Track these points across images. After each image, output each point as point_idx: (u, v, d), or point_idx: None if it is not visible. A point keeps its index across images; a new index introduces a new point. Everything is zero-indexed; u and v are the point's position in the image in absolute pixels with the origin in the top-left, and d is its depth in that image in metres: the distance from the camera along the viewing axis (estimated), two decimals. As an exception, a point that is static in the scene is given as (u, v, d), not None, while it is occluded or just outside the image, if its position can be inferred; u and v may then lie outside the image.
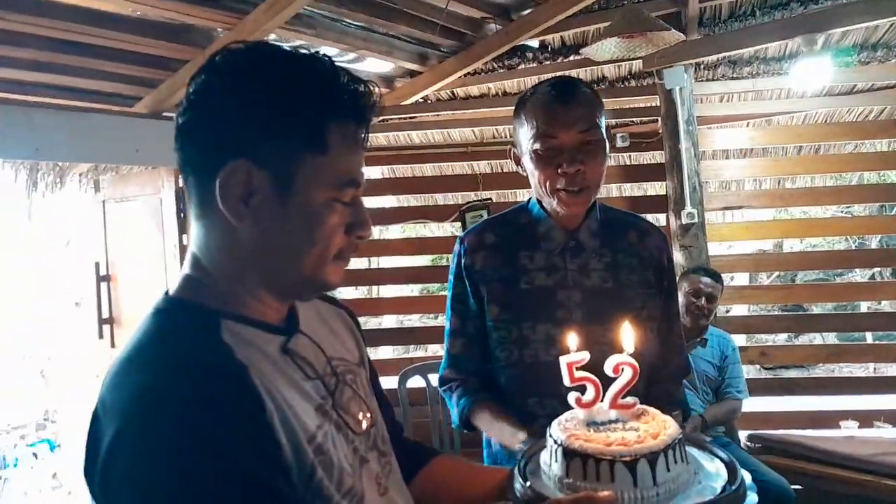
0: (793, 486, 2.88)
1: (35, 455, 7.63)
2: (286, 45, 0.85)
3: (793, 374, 7.08)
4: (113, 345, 4.16)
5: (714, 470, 0.97)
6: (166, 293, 0.86)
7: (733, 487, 0.90)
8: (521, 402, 1.51)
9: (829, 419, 3.71)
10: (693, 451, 1.01)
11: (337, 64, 0.83)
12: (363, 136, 0.85)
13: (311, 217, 0.81)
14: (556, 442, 0.94)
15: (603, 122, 1.47)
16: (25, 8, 2.56)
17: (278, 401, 0.79)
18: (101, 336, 4.18)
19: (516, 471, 0.97)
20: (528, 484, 0.93)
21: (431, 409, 3.65)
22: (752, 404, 3.48)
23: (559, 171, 1.42)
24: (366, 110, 0.84)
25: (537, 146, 1.43)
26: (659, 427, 0.95)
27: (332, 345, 0.96)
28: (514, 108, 1.52)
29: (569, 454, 0.91)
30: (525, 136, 1.46)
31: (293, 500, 0.76)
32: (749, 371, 3.75)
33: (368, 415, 0.95)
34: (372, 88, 0.84)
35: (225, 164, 0.78)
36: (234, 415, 0.73)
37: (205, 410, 0.71)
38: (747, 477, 0.94)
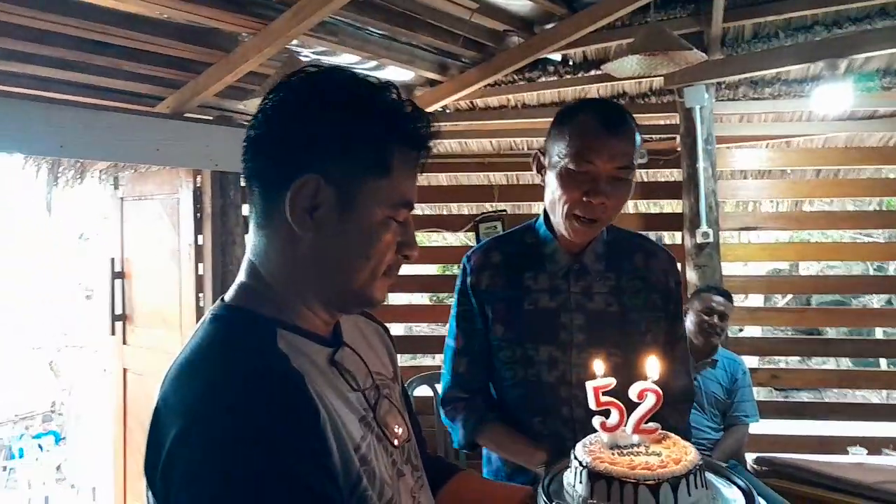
0: (798, 512, 2.85)
1: (40, 447, 7.67)
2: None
3: (804, 397, 7.03)
4: (125, 342, 4.18)
5: (731, 496, 0.99)
6: (222, 300, 0.90)
7: None
8: (525, 421, 1.52)
9: (837, 444, 3.68)
10: (711, 478, 1.02)
11: (403, 96, 0.89)
12: (421, 163, 0.91)
13: (368, 233, 0.86)
14: (581, 464, 0.95)
15: (636, 161, 1.45)
16: (54, 8, 2.59)
17: (329, 409, 0.82)
18: (112, 332, 4.20)
19: (540, 489, 0.98)
20: (553, 503, 0.94)
21: (438, 419, 3.65)
22: (761, 427, 3.46)
23: (584, 198, 1.40)
24: (426, 140, 0.90)
25: (571, 166, 1.40)
26: (681, 453, 0.96)
27: (371, 359, 0.99)
28: (556, 115, 1.49)
29: (594, 476, 0.92)
30: (559, 149, 1.43)
31: None
32: (759, 392, 3.72)
33: (403, 429, 0.98)
34: (432, 120, 0.90)
35: (297, 177, 0.83)
36: (293, 419, 0.76)
37: (266, 413, 0.75)
38: None
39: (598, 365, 1.04)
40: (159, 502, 0.78)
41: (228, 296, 0.90)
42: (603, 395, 1.00)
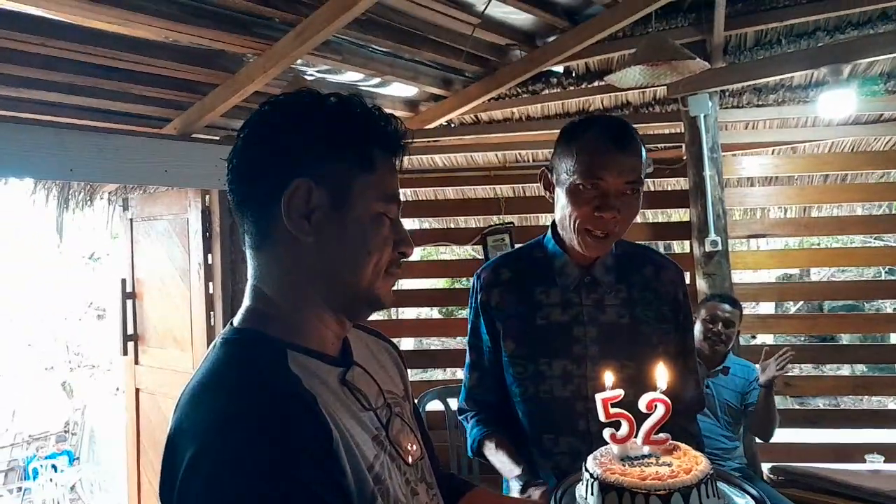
0: (815, 522, 2.82)
1: (54, 467, 7.68)
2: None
3: (819, 404, 6.94)
4: (137, 361, 4.19)
5: None
6: (231, 323, 0.91)
7: None
8: (536, 438, 1.53)
9: (853, 452, 3.64)
10: (723, 487, 1.01)
11: (370, 104, 0.93)
12: (398, 161, 0.95)
13: (366, 228, 0.89)
14: (592, 476, 0.95)
15: (644, 175, 1.45)
16: (61, 34, 2.63)
17: (342, 430, 0.83)
18: (125, 353, 4.21)
19: (552, 502, 0.98)
20: None
21: (450, 433, 3.64)
22: (776, 435, 3.43)
23: (595, 213, 1.41)
24: (400, 139, 0.94)
25: (580, 182, 1.41)
26: (691, 462, 0.96)
27: (382, 378, 1.00)
28: (561, 132, 1.50)
29: (605, 488, 0.92)
30: (567, 166, 1.43)
31: None
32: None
33: (416, 447, 0.98)
34: (401, 123, 0.95)
35: (288, 185, 0.85)
36: (307, 441, 0.77)
37: (280, 434, 0.75)
38: None
39: (608, 377, 1.04)
40: None
41: (237, 319, 0.91)
42: (612, 406, 1.00)
